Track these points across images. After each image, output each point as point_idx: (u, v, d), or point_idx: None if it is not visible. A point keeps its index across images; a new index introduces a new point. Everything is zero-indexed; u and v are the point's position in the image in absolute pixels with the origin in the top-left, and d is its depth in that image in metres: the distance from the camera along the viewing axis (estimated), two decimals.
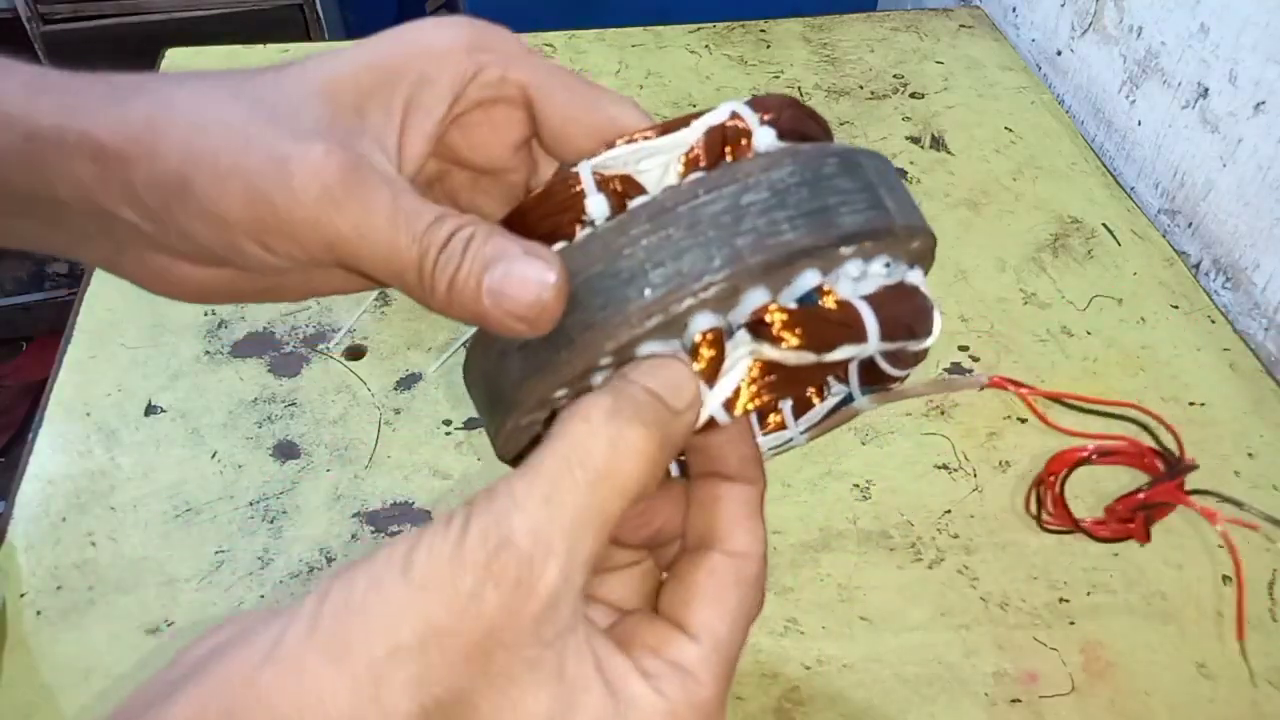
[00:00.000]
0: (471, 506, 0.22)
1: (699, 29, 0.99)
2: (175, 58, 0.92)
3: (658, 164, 0.27)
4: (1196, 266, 0.77)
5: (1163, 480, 0.51)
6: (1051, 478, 0.55)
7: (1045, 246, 0.76)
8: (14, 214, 0.27)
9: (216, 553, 0.55)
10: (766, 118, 0.27)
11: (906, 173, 0.81)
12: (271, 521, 0.56)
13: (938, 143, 0.85)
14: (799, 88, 0.91)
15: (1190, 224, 0.78)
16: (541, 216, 0.27)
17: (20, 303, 1.79)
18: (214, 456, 0.59)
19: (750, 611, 0.25)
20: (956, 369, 0.66)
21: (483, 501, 0.22)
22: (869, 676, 0.50)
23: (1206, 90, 0.75)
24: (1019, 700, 0.50)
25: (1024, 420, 0.63)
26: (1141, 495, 0.53)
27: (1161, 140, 0.81)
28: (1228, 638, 0.52)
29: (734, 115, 0.27)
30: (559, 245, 0.26)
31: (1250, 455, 0.61)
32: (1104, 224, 0.77)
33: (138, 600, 0.52)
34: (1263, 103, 0.69)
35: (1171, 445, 0.53)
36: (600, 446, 0.22)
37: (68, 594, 0.53)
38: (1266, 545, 0.57)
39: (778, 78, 0.92)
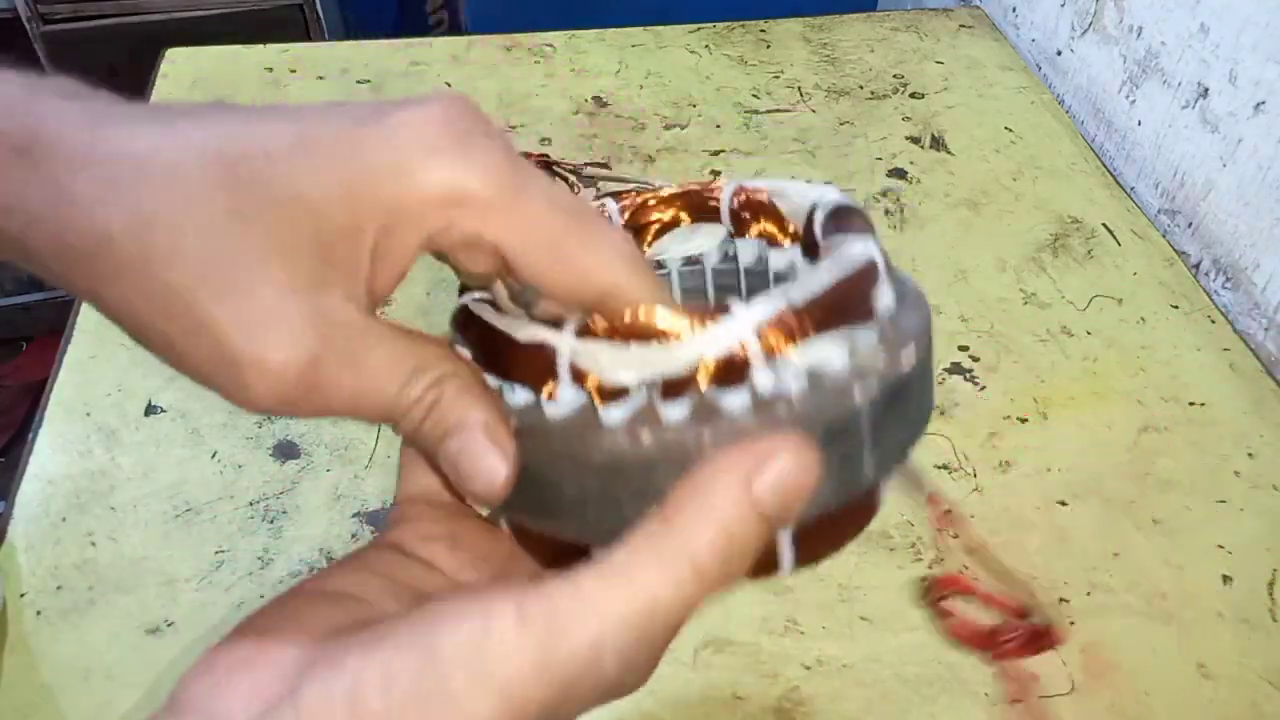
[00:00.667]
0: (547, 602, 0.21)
1: (699, 29, 0.99)
2: (175, 58, 0.92)
3: (636, 376, 0.23)
4: (1196, 266, 0.77)
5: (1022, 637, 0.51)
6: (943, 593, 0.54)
7: (1045, 246, 0.76)
8: None
9: (216, 553, 0.55)
10: (782, 344, 0.22)
11: (906, 173, 0.81)
12: (271, 521, 0.56)
13: (938, 143, 0.85)
14: (799, 87, 0.91)
15: (1190, 224, 0.78)
16: (519, 366, 0.25)
17: (20, 303, 1.79)
18: (214, 456, 0.59)
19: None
20: (956, 369, 0.66)
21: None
22: (869, 676, 0.50)
23: (1206, 90, 0.75)
24: (1019, 700, 0.50)
25: (1024, 420, 0.63)
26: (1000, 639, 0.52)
27: (1161, 140, 0.81)
28: (1227, 638, 0.52)
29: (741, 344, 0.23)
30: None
31: (1250, 455, 0.61)
32: (1104, 224, 0.77)
33: (138, 600, 0.52)
34: (1263, 103, 0.69)
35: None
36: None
37: (68, 594, 0.53)
38: (1267, 545, 0.57)
39: (778, 77, 0.92)
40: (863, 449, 0.23)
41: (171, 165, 0.22)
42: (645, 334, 0.23)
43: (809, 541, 0.24)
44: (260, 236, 0.22)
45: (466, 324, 0.27)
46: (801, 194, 0.29)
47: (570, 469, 0.23)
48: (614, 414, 0.23)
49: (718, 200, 0.30)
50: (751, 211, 0.30)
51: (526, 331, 0.24)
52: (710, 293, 0.32)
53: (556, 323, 0.24)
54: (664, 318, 0.23)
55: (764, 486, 0.21)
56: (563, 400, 0.23)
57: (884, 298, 0.24)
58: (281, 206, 0.22)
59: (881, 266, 0.25)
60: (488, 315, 0.26)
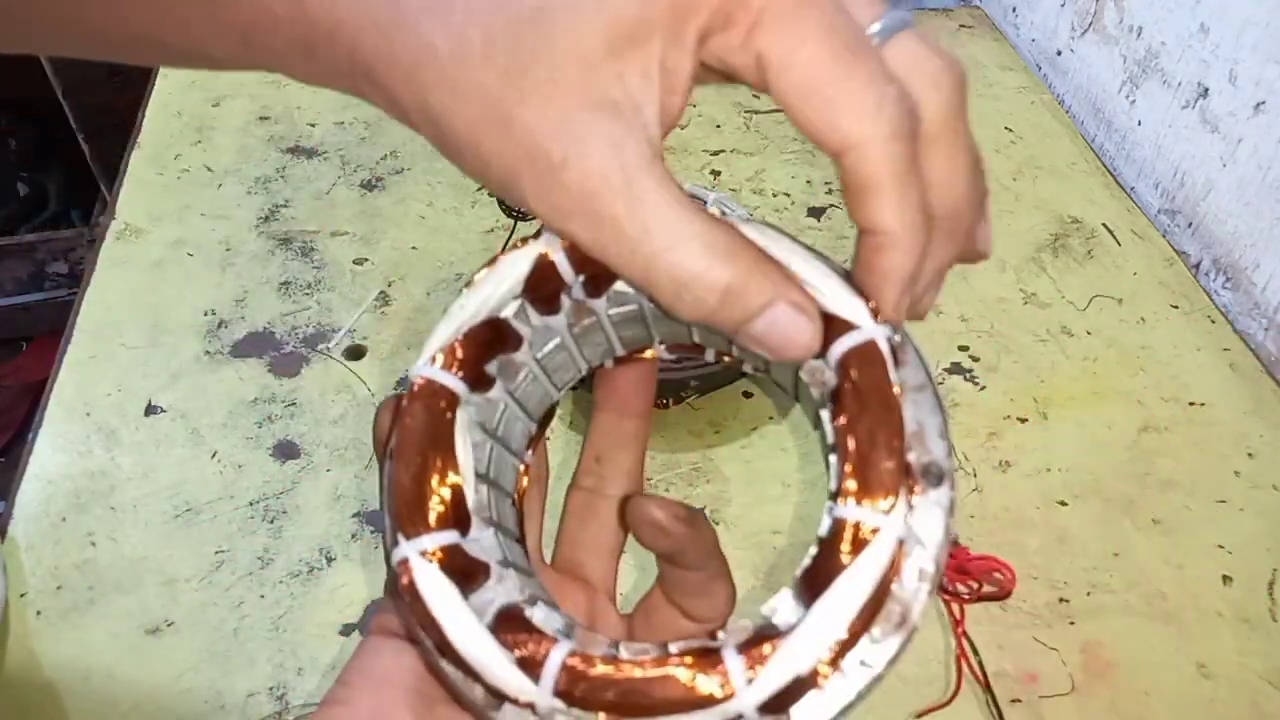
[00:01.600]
0: None
1: None
2: None
3: None
4: (1196, 266, 0.77)
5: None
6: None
7: (1045, 246, 0.76)
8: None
9: (216, 553, 0.55)
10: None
11: None
12: (271, 521, 0.56)
13: None
14: None
15: (1190, 224, 0.78)
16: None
17: (20, 303, 1.79)
18: (214, 456, 0.59)
19: None
20: (956, 369, 0.66)
21: None
22: None
23: (1206, 90, 0.75)
24: (1019, 700, 0.50)
25: (1024, 420, 0.63)
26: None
27: (1161, 140, 0.81)
28: (1227, 638, 0.52)
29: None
30: None
31: (1250, 455, 0.61)
32: (1104, 224, 0.77)
33: (138, 600, 0.52)
34: (1263, 103, 0.69)
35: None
36: None
37: (68, 594, 0.53)
38: (1267, 545, 0.57)
39: None
40: None
41: None
42: (638, 710, 0.22)
43: None
44: (562, 43, 0.23)
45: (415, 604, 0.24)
46: (813, 282, 0.25)
47: None
48: None
49: None
50: None
51: (500, 670, 0.23)
52: (692, 330, 0.28)
53: (534, 666, 0.22)
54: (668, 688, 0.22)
55: None
56: None
57: (909, 574, 0.23)
58: (575, 12, 0.23)
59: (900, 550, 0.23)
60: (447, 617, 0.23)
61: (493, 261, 0.26)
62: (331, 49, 0.24)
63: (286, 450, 0.60)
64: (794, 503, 0.58)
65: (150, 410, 0.62)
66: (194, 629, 0.51)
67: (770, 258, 0.24)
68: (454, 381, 0.26)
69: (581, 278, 0.26)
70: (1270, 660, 0.51)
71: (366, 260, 0.72)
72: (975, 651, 0.50)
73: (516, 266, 0.26)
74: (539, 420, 0.29)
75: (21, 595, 0.52)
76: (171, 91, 0.88)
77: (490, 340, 0.26)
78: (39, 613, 0.52)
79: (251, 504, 0.57)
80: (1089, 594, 0.54)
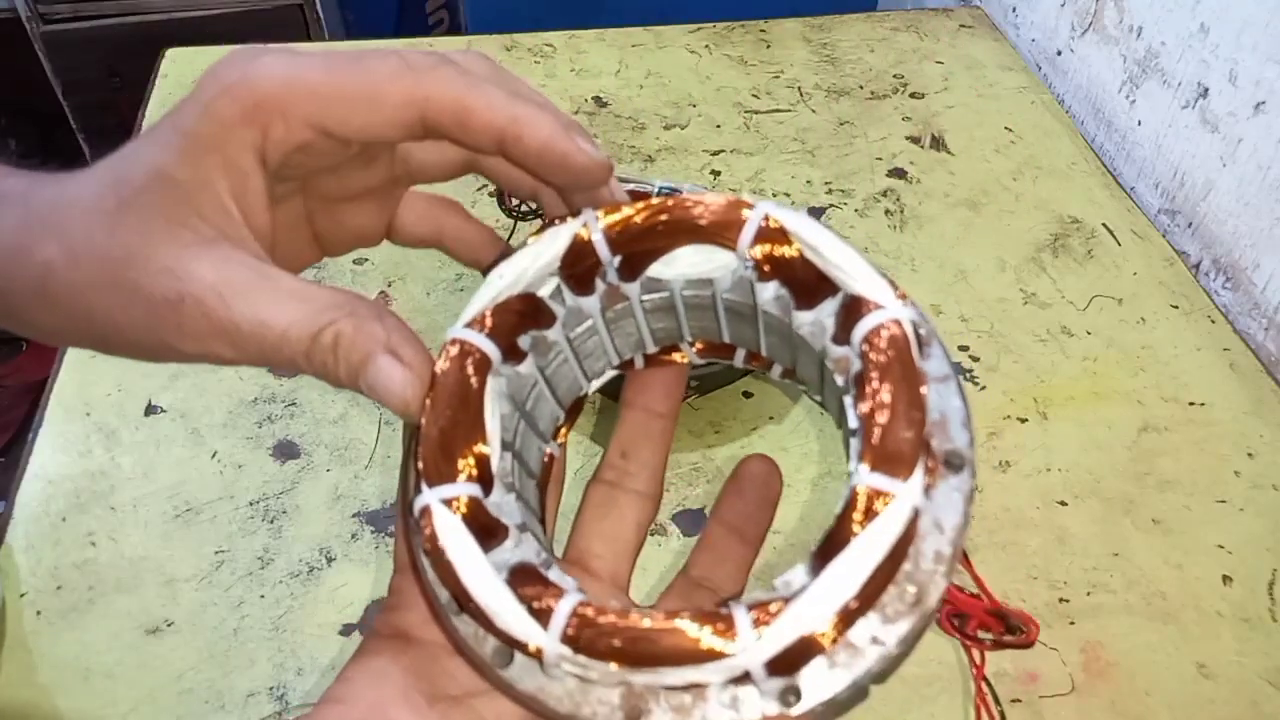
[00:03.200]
0: None
1: (699, 29, 0.99)
2: (175, 58, 0.92)
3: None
4: (1196, 266, 0.77)
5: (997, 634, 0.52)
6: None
7: (1045, 246, 0.76)
8: None
9: (216, 553, 0.55)
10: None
11: (906, 173, 0.81)
12: (271, 521, 0.56)
13: (938, 143, 0.85)
14: (799, 88, 0.91)
15: (1190, 224, 0.78)
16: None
17: None
18: (214, 456, 0.59)
19: None
20: (956, 369, 0.66)
21: None
22: None
23: (1206, 90, 0.75)
24: (1019, 700, 0.50)
25: (1024, 420, 0.63)
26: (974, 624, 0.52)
27: (1161, 140, 0.81)
28: (1227, 638, 0.52)
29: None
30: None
31: (1250, 455, 0.61)
32: (1104, 224, 0.77)
33: (138, 600, 0.52)
34: (1263, 103, 0.69)
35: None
36: None
37: (68, 594, 0.53)
38: (1267, 545, 0.57)
39: (778, 78, 0.92)
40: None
41: (74, 198, 0.25)
42: (643, 658, 0.22)
43: None
44: (145, 217, 0.25)
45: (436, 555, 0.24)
46: (842, 265, 0.25)
47: None
48: None
49: (734, 238, 0.26)
50: (774, 265, 0.26)
51: (510, 617, 0.23)
52: (722, 325, 0.28)
53: (544, 614, 0.23)
54: (672, 637, 0.22)
55: None
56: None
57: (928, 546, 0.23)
58: (149, 188, 0.25)
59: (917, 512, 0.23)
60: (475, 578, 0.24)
61: (537, 233, 0.27)
62: None
63: (286, 450, 0.60)
64: (794, 503, 0.58)
65: (150, 410, 0.62)
66: (194, 629, 0.51)
67: (384, 313, 0.26)
68: (488, 345, 0.26)
69: (617, 259, 0.27)
70: (1270, 660, 0.51)
71: (366, 260, 0.72)
72: (997, 701, 0.50)
73: (555, 242, 0.27)
74: (567, 409, 0.30)
75: (21, 595, 0.52)
76: (171, 91, 0.88)
77: (524, 312, 0.27)
78: (39, 613, 0.52)
79: (251, 504, 0.57)
80: (1089, 594, 0.54)
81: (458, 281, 0.70)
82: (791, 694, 0.22)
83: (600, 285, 0.27)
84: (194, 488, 0.58)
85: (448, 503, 0.24)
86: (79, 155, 1.60)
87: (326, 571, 0.54)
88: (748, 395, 0.64)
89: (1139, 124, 0.84)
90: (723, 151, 0.83)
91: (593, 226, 0.26)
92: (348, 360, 0.24)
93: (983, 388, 0.65)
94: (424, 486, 0.24)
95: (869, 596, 0.22)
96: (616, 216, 0.27)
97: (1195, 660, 0.51)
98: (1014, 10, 1.02)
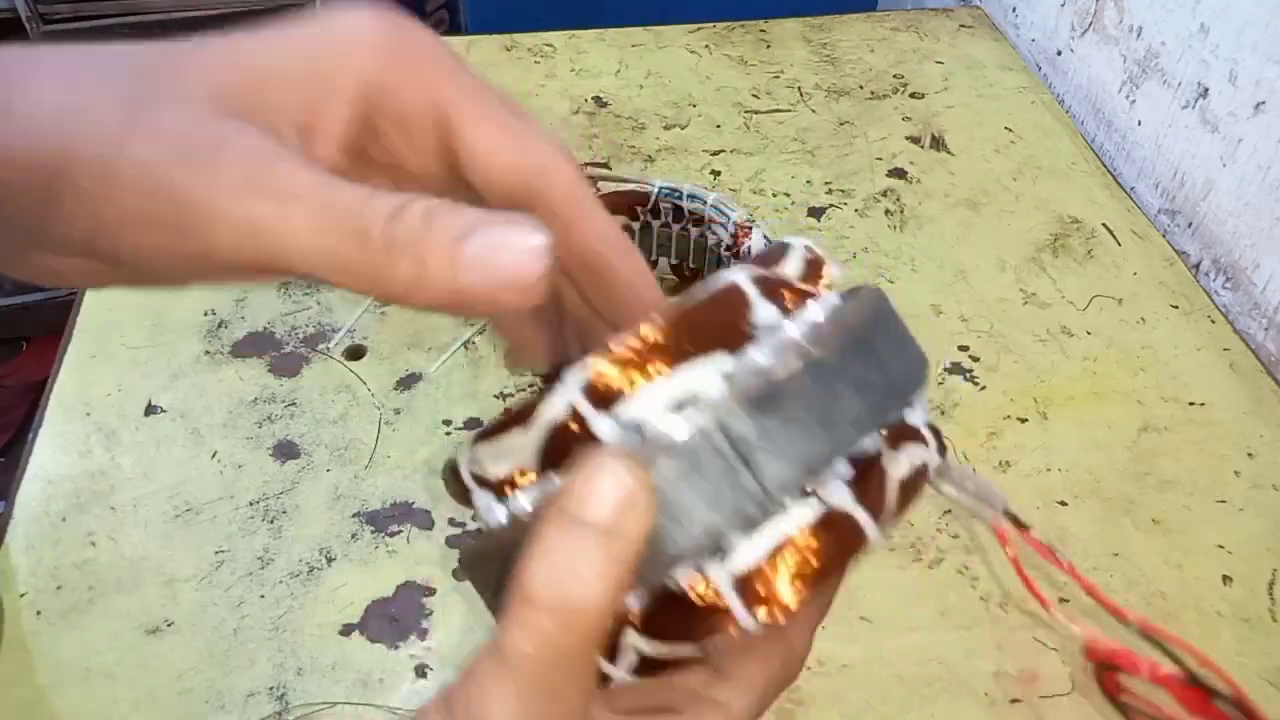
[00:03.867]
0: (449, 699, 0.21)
1: (699, 29, 0.99)
2: None
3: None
4: (1196, 266, 0.77)
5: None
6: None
7: (1045, 246, 0.76)
8: None
9: (216, 553, 0.55)
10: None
11: (906, 173, 0.81)
12: (271, 521, 0.56)
13: (938, 143, 0.85)
14: (799, 88, 0.91)
15: (1190, 224, 0.78)
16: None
17: (20, 303, 1.79)
18: (214, 456, 0.59)
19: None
20: (956, 369, 0.66)
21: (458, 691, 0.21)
22: (869, 676, 0.50)
23: (1206, 90, 0.75)
24: (1019, 700, 0.50)
25: (1024, 420, 0.63)
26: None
27: (1161, 140, 0.81)
28: (1227, 638, 0.52)
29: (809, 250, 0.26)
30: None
31: (1250, 455, 0.61)
32: (1104, 224, 0.77)
33: (138, 600, 0.52)
34: (1263, 103, 0.69)
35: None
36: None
37: (68, 594, 0.53)
38: (1267, 545, 0.57)
39: (778, 78, 0.92)
40: (745, 466, 0.22)
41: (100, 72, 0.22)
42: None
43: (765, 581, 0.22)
44: (203, 67, 0.23)
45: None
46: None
47: None
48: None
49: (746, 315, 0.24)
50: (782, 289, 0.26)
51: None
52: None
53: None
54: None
55: (576, 504, 0.21)
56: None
57: (762, 316, 0.24)
58: (217, 55, 0.23)
59: (750, 291, 0.23)
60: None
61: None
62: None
63: (286, 450, 0.60)
64: None
65: (150, 410, 0.62)
66: (194, 629, 0.51)
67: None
68: None
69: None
70: (1270, 660, 0.51)
71: None
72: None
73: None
74: None
75: (21, 595, 0.52)
76: None
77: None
78: (39, 613, 0.52)
79: (251, 504, 0.57)
80: (1089, 594, 0.54)
81: None
82: None
83: None
84: (194, 488, 0.58)
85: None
86: None
87: (326, 571, 0.54)
88: None
89: (1139, 124, 0.84)
90: (723, 151, 0.83)
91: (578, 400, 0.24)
92: (444, 233, 0.20)
93: (983, 388, 0.65)
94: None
95: None
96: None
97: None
98: (1014, 10, 1.02)
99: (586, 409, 0.22)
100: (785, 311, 0.24)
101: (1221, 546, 0.56)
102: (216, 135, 0.21)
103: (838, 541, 0.23)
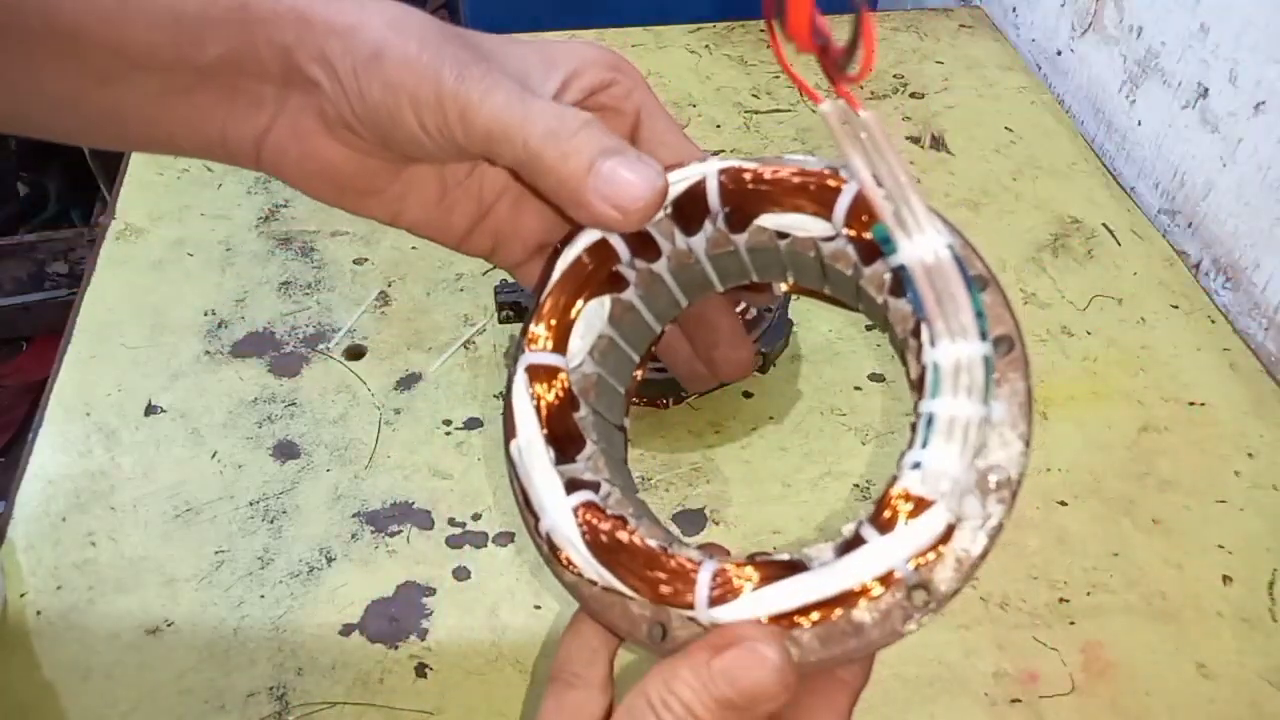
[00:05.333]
0: None
1: (699, 29, 0.99)
2: None
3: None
4: (1196, 266, 0.77)
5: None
6: None
7: (1045, 246, 0.76)
8: (192, 87, 0.30)
9: (216, 553, 0.55)
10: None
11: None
12: (271, 521, 0.56)
13: (938, 143, 0.85)
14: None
15: (1190, 224, 0.78)
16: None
17: (20, 303, 1.79)
18: (214, 456, 0.59)
19: None
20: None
21: None
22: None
23: (1206, 90, 0.75)
24: (1019, 700, 0.50)
25: None
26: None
27: (1161, 140, 0.81)
28: (1228, 638, 0.52)
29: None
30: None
31: (1250, 455, 0.61)
32: (1104, 224, 0.77)
33: (138, 600, 0.52)
34: (1263, 103, 0.69)
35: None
36: None
37: (68, 594, 0.53)
38: (1267, 545, 0.57)
39: (778, 78, 0.92)
40: None
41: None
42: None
43: None
44: (487, 47, 0.32)
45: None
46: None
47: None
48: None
49: (829, 212, 0.29)
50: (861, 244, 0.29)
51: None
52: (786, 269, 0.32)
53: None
54: None
55: (721, 677, 0.24)
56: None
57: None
58: (496, 46, 0.32)
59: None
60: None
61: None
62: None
63: (286, 450, 0.60)
64: (794, 503, 0.58)
65: (150, 410, 0.62)
66: (194, 629, 0.51)
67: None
68: (623, 249, 0.31)
69: (726, 209, 0.30)
70: (1270, 660, 0.51)
71: (366, 260, 0.72)
72: None
73: (674, 186, 0.31)
74: (641, 353, 0.34)
75: (21, 595, 0.52)
76: None
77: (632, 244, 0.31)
78: (39, 613, 0.52)
79: (251, 504, 0.57)
80: (1089, 594, 0.54)
81: (457, 281, 0.70)
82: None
83: (709, 228, 0.31)
84: (194, 488, 0.58)
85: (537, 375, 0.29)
86: (79, 154, 1.60)
87: (326, 571, 0.54)
88: (748, 395, 0.64)
89: (1139, 124, 0.84)
90: (723, 151, 0.83)
91: (710, 175, 0.30)
92: (593, 144, 0.28)
93: None
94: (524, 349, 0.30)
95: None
96: (733, 166, 0.30)
97: (1195, 660, 0.51)
98: (1014, 10, 1.02)
99: None
100: None
101: (1221, 546, 0.56)
102: (482, 74, 0.30)
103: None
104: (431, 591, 0.53)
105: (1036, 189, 0.81)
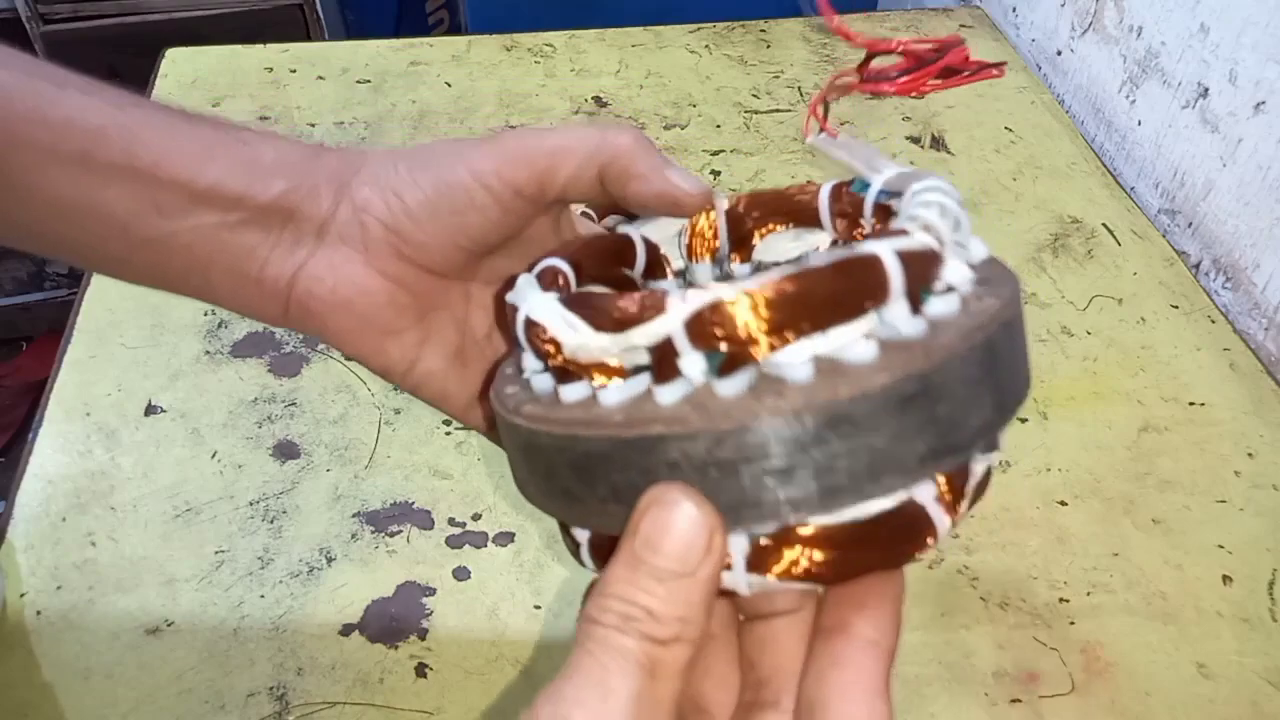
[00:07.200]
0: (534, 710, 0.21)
1: (699, 29, 0.99)
2: (175, 58, 0.92)
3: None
4: (1196, 266, 0.77)
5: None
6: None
7: (1045, 246, 0.76)
8: (246, 222, 0.32)
9: (216, 553, 0.55)
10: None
11: None
12: (271, 521, 0.56)
13: (938, 143, 0.85)
14: (799, 88, 0.91)
15: (1190, 224, 0.78)
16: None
17: (20, 303, 1.79)
18: (214, 456, 0.59)
19: None
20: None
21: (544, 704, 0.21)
22: None
23: (1206, 90, 0.75)
24: (1019, 700, 0.50)
25: (1024, 420, 0.63)
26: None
27: (1161, 140, 0.81)
28: (1228, 638, 0.52)
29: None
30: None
31: (1250, 455, 0.61)
32: (1104, 224, 0.77)
33: (138, 600, 0.52)
34: (1263, 103, 0.69)
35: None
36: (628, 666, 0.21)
37: (68, 594, 0.53)
38: (1267, 545, 0.57)
39: (778, 78, 0.92)
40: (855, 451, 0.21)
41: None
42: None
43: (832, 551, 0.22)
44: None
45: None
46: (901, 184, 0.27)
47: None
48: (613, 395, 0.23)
49: (814, 205, 0.30)
50: (853, 216, 0.29)
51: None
52: None
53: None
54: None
55: (642, 545, 0.22)
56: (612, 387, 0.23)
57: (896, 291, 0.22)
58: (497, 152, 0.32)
59: (894, 268, 0.22)
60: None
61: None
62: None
63: (286, 450, 0.60)
64: None
65: (150, 410, 0.62)
66: (194, 629, 0.51)
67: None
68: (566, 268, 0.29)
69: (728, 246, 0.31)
70: (1270, 660, 0.51)
71: None
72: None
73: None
74: None
75: (21, 595, 0.52)
76: (172, 91, 0.88)
77: (616, 251, 0.32)
78: (39, 613, 0.52)
79: (251, 504, 0.57)
80: (1089, 594, 0.54)
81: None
82: None
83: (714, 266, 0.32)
84: (194, 488, 0.58)
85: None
86: None
87: (326, 571, 0.54)
88: None
89: (1139, 124, 0.84)
90: (723, 151, 0.83)
91: (719, 208, 0.31)
92: (650, 161, 0.31)
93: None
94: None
95: None
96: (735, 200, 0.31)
97: (1195, 660, 0.51)
98: (1014, 10, 1.02)
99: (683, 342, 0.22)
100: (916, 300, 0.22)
101: (1221, 546, 0.56)
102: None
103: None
104: (431, 591, 0.53)
105: (1036, 189, 0.81)
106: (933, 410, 0.21)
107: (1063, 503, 0.58)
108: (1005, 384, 0.23)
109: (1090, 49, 0.90)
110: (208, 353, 0.65)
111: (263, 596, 0.53)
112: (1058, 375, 0.66)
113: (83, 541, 0.55)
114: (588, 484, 0.23)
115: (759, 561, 0.22)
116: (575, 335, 0.23)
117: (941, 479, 0.23)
